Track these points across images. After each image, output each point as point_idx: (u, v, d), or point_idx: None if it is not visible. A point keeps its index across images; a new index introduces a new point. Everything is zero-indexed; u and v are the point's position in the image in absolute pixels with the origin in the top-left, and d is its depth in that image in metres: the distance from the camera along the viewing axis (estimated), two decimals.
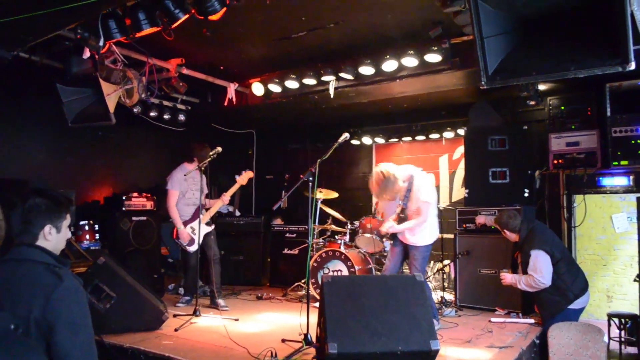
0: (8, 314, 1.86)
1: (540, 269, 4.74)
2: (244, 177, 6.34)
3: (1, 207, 2.20)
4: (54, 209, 2.33)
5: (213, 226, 6.36)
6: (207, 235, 6.23)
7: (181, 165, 6.31)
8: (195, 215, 6.18)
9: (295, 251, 7.62)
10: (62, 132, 6.94)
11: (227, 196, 6.28)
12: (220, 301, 6.09)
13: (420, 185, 5.15)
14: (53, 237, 2.33)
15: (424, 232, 5.18)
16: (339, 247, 6.44)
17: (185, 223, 6.19)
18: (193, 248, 6.18)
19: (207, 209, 6.29)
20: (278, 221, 8.42)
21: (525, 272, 4.92)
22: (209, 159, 5.85)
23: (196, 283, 6.28)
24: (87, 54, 5.16)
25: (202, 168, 6.00)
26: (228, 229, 7.92)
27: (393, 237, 5.46)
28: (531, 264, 4.81)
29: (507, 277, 5.04)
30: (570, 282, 4.82)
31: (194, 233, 6.16)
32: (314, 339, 4.13)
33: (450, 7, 4.10)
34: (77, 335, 2.10)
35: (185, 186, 6.23)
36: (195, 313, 5.40)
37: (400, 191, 5.16)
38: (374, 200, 7.91)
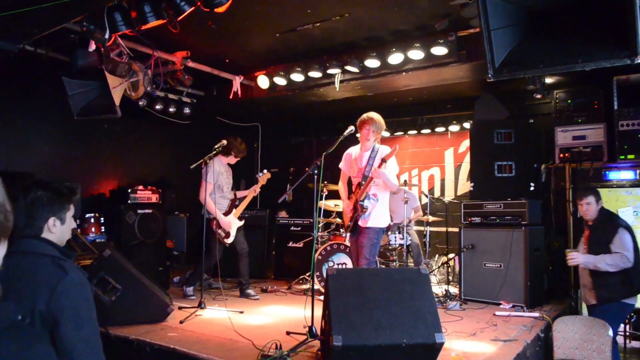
0: (13, 305, 1.86)
1: (629, 248, 4.47)
2: (263, 178, 6.39)
3: (9, 199, 2.21)
4: (57, 201, 2.33)
5: (243, 221, 6.40)
6: (238, 229, 6.31)
7: (216, 158, 6.15)
8: (231, 209, 6.26)
9: (300, 244, 7.63)
10: (67, 125, 6.97)
11: (255, 190, 6.34)
12: (250, 291, 6.27)
13: (386, 150, 4.99)
14: (58, 229, 2.32)
15: (378, 211, 4.99)
16: (344, 240, 6.44)
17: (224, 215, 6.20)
18: (229, 240, 6.20)
19: (238, 203, 6.36)
20: (283, 214, 8.42)
21: (595, 253, 4.59)
22: (214, 152, 5.86)
23: (201, 276, 6.27)
24: (92, 46, 5.15)
25: (207, 161, 5.98)
26: None
27: (352, 229, 5.15)
28: (618, 242, 4.49)
29: (580, 257, 4.57)
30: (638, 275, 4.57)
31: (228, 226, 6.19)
32: (318, 332, 4.14)
33: (457, 0, 4.07)
34: (81, 329, 2.10)
35: (221, 179, 6.20)
36: (200, 305, 5.42)
37: (370, 141, 5.01)
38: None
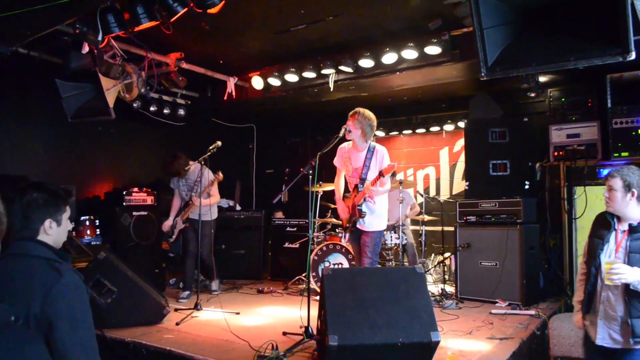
0: (7, 306, 1.86)
1: None
2: (218, 176, 6.32)
3: (2, 201, 2.20)
4: (52, 203, 2.32)
5: (187, 224, 6.56)
6: (180, 231, 6.61)
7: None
8: (180, 211, 6.60)
9: (296, 245, 7.63)
10: (61, 128, 6.95)
11: (196, 200, 6.23)
12: (183, 293, 6.35)
13: (385, 153, 4.99)
14: (54, 231, 2.31)
15: (378, 213, 4.99)
16: (340, 241, 6.44)
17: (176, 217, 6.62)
18: (171, 240, 6.69)
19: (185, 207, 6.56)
20: (279, 215, 8.42)
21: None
22: (209, 153, 5.84)
23: (191, 277, 6.50)
24: (86, 48, 5.14)
25: (203, 162, 5.99)
26: (229, 224, 7.92)
27: (351, 230, 5.10)
28: None
29: (628, 273, 2.91)
30: None
31: (174, 227, 6.57)
32: (314, 332, 4.14)
33: None
34: (77, 332, 2.08)
35: (178, 185, 6.62)
36: (196, 307, 5.42)
37: (362, 139, 4.93)
38: None
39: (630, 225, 3.14)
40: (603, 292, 3.15)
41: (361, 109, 4.95)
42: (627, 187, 3.11)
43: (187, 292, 6.30)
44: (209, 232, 6.48)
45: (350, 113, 4.97)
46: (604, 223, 3.26)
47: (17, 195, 2.25)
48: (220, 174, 6.21)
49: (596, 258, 3.15)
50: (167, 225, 6.60)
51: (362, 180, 4.95)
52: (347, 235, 5.18)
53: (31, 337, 1.71)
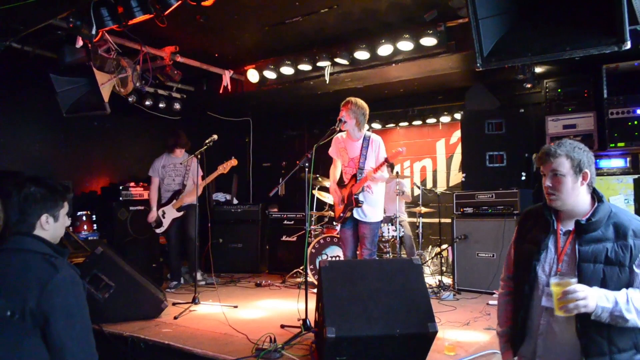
0: (3, 301, 1.86)
1: None
2: (225, 166, 6.45)
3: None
4: (50, 198, 2.32)
5: (182, 212, 6.56)
6: (175, 220, 6.57)
7: (163, 155, 6.76)
8: (170, 200, 6.56)
9: (294, 238, 7.63)
10: (56, 123, 6.92)
11: (203, 183, 6.44)
12: (172, 283, 6.52)
13: (381, 143, 5.02)
14: (50, 226, 2.31)
15: (375, 203, 5.01)
16: (337, 233, 6.44)
17: (161, 206, 6.56)
18: (159, 230, 6.61)
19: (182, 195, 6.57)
20: (273, 210, 8.41)
21: (591, 282, 2.09)
22: (205, 147, 5.85)
23: (179, 269, 6.69)
24: (80, 43, 5.13)
25: (198, 156, 5.99)
26: (226, 217, 7.93)
27: (345, 220, 5.13)
28: None
29: (590, 297, 2.00)
30: None
31: (163, 217, 6.52)
32: (312, 324, 4.15)
33: None
34: (73, 326, 2.09)
35: (164, 173, 6.63)
36: (194, 301, 5.42)
37: (356, 128, 4.96)
38: None
39: (577, 223, 2.21)
40: (542, 319, 2.25)
41: (353, 98, 4.95)
42: (578, 168, 2.21)
43: (174, 283, 6.48)
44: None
45: (343, 103, 4.98)
46: (538, 222, 2.37)
47: (15, 189, 2.25)
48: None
49: (531, 272, 2.26)
50: (152, 216, 6.56)
51: (361, 169, 4.95)
52: (340, 226, 5.20)
53: (27, 331, 1.71)
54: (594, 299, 2.00)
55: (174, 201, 6.50)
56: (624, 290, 2.05)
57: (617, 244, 2.11)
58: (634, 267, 2.08)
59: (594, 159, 2.26)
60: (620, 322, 2.02)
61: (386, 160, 4.69)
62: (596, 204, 2.23)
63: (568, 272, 2.17)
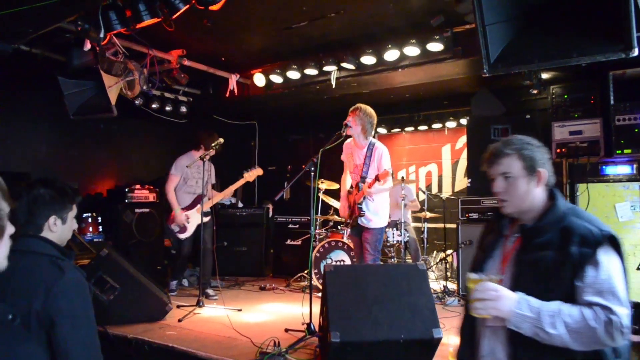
0: (5, 304, 1.85)
1: (619, 293, 1.80)
2: (251, 174, 6.18)
3: (8, 199, 2.20)
4: (59, 200, 2.32)
5: (209, 218, 6.34)
6: (200, 226, 6.02)
7: (188, 153, 6.40)
8: (194, 204, 6.26)
9: (298, 242, 7.63)
10: (64, 125, 6.96)
11: (230, 190, 6.29)
12: (209, 291, 6.18)
13: (384, 152, 5.02)
14: (58, 228, 2.32)
15: (377, 210, 5.03)
16: (342, 238, 6.45)
17: (183, 210, 6.26)
18: (183, 236, 6.25)
19: (208, 199, 6.27)
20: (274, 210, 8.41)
21: (532, 292, 1.85)
22: (212, 150, 5.88)
23: (183, 270, 6.56)
24: (87, 46, 5.15)
25: (206, 159, 5.99)
26: (231, 221, 7.94)
27: (352, 226, 5.16)
28: (597, 276, 1.80)
29: (500, 299, 1.83)
30: None
31: (188, 221, 6.22)
32: (316, 329, 4.15)
33: None
34: (78, 329, 2.08)
35: (188, 173, 6.30)
36: (198, 304, 5.43)
37: (362, 135, 4.99)
38: None
39: (522, 227, 1.99)
40: (483, 339, 1.99)
41: (362, 105, 4.96)
42: (530, 168, 1.99)
43: (174, 282, 6.43)
44: None
45: (351, 109, 4.99)
46: (492, 227, 2.18)
47: (25, 191, 2.26)
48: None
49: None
50: (180, 219, 6.15)
51: (363, 178, 4.98)
52: (349, 230, 5.22)
53: (24, 337, 1.71)
54: (508, 302, 1.78)
55: (198, 205, 6.08)
56: (557, 302, 1.78)
57: (560, 252, 1.82)
58: (575, 281, 1.79)
59: (547, 155, 2.08)
60: (543, 336, 1.76)
61: (377, 178, 4.69)
62: (550, 206, 1.97)
63: (507, 281, 1.91)
